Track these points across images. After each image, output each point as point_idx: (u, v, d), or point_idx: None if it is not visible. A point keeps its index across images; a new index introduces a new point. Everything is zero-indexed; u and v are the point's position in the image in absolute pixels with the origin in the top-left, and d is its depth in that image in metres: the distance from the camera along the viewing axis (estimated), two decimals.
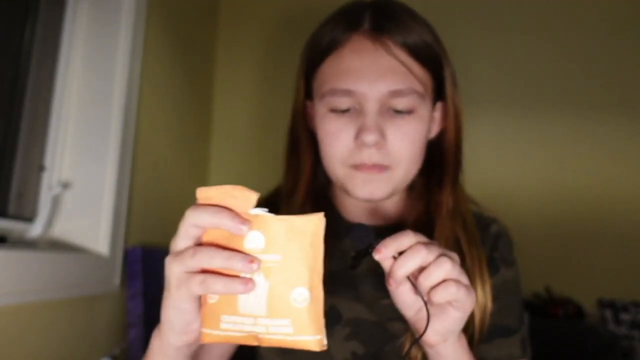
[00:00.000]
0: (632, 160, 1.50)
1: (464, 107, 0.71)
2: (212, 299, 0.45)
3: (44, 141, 1.05)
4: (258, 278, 0.43)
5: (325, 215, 0.44)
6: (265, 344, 0.44)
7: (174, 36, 1.39)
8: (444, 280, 0.48)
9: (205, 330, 0.46)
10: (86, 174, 1.05)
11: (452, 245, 0.66)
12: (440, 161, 0.71)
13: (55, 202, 1.03)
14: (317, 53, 0.68)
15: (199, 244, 0.45)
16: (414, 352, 0.62)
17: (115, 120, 1.07)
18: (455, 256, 0.51)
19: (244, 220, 0.43)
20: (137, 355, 1.07)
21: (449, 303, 0.49)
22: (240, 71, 1.74)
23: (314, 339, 0.43)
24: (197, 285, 0.43)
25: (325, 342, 0.44)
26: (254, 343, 0.45)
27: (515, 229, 0.78)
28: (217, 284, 0.42)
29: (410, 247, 0.48)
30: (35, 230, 0.98)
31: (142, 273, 1.11)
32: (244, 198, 0.44)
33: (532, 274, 1.39)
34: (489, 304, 0.65)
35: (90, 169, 1.05)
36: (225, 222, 0.43)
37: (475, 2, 1.64)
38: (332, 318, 0.67)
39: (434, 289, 0.48)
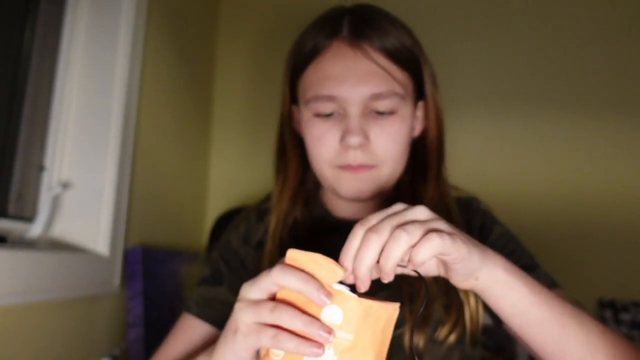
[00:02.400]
0: (632, 159, 1.50)
1: (444, 105, 0.74)
2: (276, 357, 0.45)
3: (44, 141, 1.05)
4: (328, 351, 0.43)
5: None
6: None
7: (174, 36, 1.39)
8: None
9: None
10: (86, 174, 1.06)
11: None
12: (424, 157, 0.74)
13: (55, 202, 1.03)
14: (300, 60, 0.71)
15: (273, 299, 0.46)
16: (416, 339, 0.64)
17: (115, 121, 1.07)
18: (417, 210, 0.48)
19: (328, 293, 0.43)
20: (137, 356, 1.07)
21: (443, 259, 0.48)
22: (240, 71, 1.74)
23: None
24: (268, 338, 0.44)
25: None
26: None
27: (515, 229, 0.79)
28: (291, 342, 0.43)
29: (362, 242, 0.46)
30: (35, 230, 0.98)
31: (142, 273, 1.11)
32: (331, 271, 0.45)
33: None
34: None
35: (90, 169, 1.05)
36: (311, 291, 0.43)
37: (463, 3, 1.64)
38: None
39: (415, 249, 0.45)
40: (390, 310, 0.45)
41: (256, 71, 1.73)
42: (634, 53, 1.54)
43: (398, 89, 0.67)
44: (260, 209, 0.81)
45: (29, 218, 1.01)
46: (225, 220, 1.10)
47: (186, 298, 0.78)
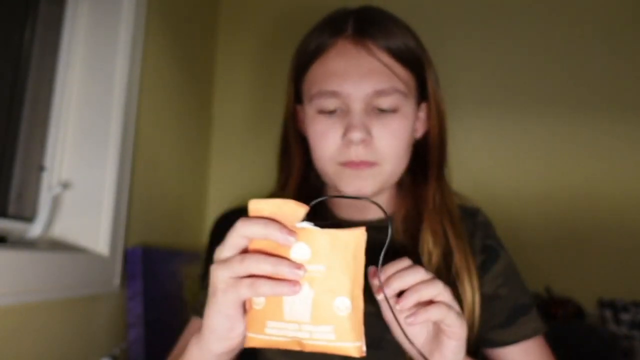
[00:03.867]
0: (633, 160, 1.50)
1: (446, 107, 0.75)
2: (257, 305, 0.47)
3: (44, 141, 1.05)
4: (303, 286, 0.45)
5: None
6: (307, 350, 0.46)
7: (174, 36, 1.39)
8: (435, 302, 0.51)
9: (250, 335, 0.48)
10: (86, 174, 1.06)
11: (440, 238, 0.70)
12: (425, 158, 0.75)
13: (55, 202, 1.03)
14: (304, 58, 0.72)
15: (245, 252, 0.47)
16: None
17: (115, 120, 1.07)
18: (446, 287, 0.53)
19: (291, 232, 0.45)
20: (137, 356, 1.07)
21: (442, 331, 0.52)
22: (241, 71, 1.74)
23: (354, 345, 0.45)
24: (245, 288, 0.45)
25: (364, 348, 0.46)
26: (297, 348, 0.47)
27: (515, 229, 0.79)
28: (266, 285, 0.44)
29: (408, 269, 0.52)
30: (35, 230, 0.98)
31: (142, 273, 1.11)
32: (292, 212, 0.46)
33: (532, 274, 1.39)
34: (477, 297, 0.68)
35: (90, 169, 1.05)
36: (274, 233, 0.45)
37: (466, 3, 1.64)
38: None
39: (427, 307, 0.50)
40: (357, 235, 0.46)
41: (256, 71, 1.73)
42: (634, 53, 1.54)
43: (401, 86, 0.67)
44: None
45: (29, 218, 1.01)
46: (225, 220, 1.10)
47: (193, 302, 0.78)
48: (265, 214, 0.47)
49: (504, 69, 1.60)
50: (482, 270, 0.72)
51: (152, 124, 1.25)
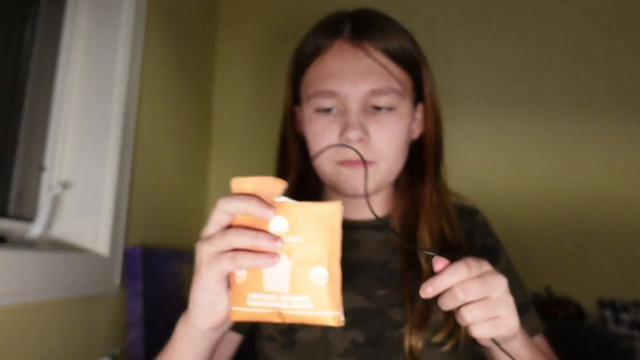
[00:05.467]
0: (632, 159, 1.50)
1: (443, 108, 0.76)
2: (239, 279, 0.49)
3: (44, 141, 1.05)
4: (282, 258, 0.47)
5: None
6: (287, 320, 0.48)
7: (174, 36, 1.39)
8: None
9: (233, 308, 0.49)
10: (86, 174, 1.05)
11: (437, 237, 0.70)
12: (422, 158, 0.76)
13: (55, 202, 1.03)
14: (302, 60, 0.73)
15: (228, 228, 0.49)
16: (415, 341, 0.65)
17: (115, 120, 1.07)
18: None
19: (268, 205, 0.47)
20: (137, 355, 1.07)
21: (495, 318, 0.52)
22: (240, 71, 1.74)
23: (331, 314, 0.46)
24: (227, 260, 0.47)
25: (342, 318, 0.47)
26: (277, 320, 0.48)
27: (515, 229, 0.79)
28: (246, 257, 0.46)
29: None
30: (35, 230, 0.98)
31: (142, 273, 1.11)
32: (271, 187, 0.48)
33: (532, 274, 1.39)
34: None
35: (90, 169, 1.05)
36: (252, 207, 0.47)
37: (463, 3, 1.64)
38: None
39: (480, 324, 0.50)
40: (332, 208, 0.47)
41: (256, 71, 1.73)
42: (634, 52, 1.54)
43: (397, 86, 0.68)
44: None
45: (29, 218, 1.01)
46: None
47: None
48: (247, 191, 0.48)
49: (502, 68, 1.60)
50: None
51: (152, 124, 1.25)
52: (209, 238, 0.48)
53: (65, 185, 1.04)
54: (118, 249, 1.07)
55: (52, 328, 0.90)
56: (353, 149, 0.61)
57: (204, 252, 0.48)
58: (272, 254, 0.46)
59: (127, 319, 1.09)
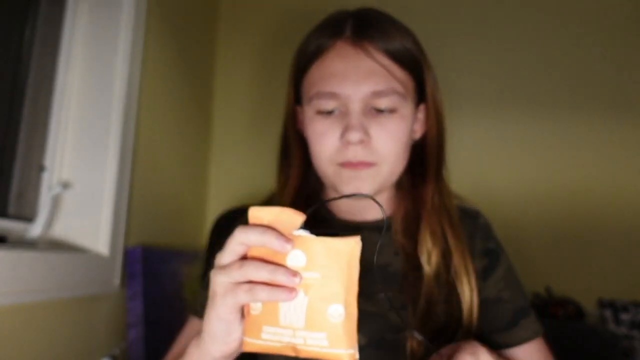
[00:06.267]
0: (633, 159, 1.50)
1: (445, 108, 0.75)
2: (255, 311, 0.49)
3: (44, 141, 1.05)
4: (299, 293, 0.46)
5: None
6: (302, 355, 0.47)
7: (174, 36, 1.39)
8: None
9: (247, 339, 0.49)
10: (86, 174, 1.06)
11: (439, 239, 0.70)
12: (424, 159, 0.75)
13: (55, 202, 1.03)
14: (304, 60, 0.72)
15: (244, 259, 0.49)
16: (414, 344, 0.65)
17: (115, 121, 1.07)
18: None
19: (287, 239, 0.47)
20: (137, 356, 1.07)
21: None
22: (240, 71, 1.74)
23: (346, 352, 0.46)
24: (243, 293, 0.46)
25: (357, 356, 0.47)
26: (291, 354, 0.48)
27: (515, 229, 0.79)
28: (263, 291, 0.46)
29: None
30: (35, 230, 0.98)
31: (142, 273, 1.11)
32: (290, 220, 0.47)
33: (532, 274, 1.39)
34: (475, 297, 0.69)
35: (90, 169, 1.05)
36: (270, 240, 0.46)
37: (464, 4, 1.64)
38: None
39: None
40: (351, 244, 0.47)
41: (256, 72, 1.73)
42: (634, 53, 1.54)
43: (399, 87, 0.68)
44: None
45: (29, 218, 1.01)
46: (225, 220, 1.10)
47: (191, 301, 0.78)
48: (264, 221, 0.48)
49: (503, 69, 1.60)
50: (485, 274, 0.72)
51: (152, 124, 1.25)
52: (224, 268, 0.48)
53: (65, 185, 1.04)
54: (118, 249, 1.07)
55: (52, 328, 0.90)
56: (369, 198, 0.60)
57: (219, 281, 0.48)
58: (290, 289, 0.46)
59: (127, 319, 1.09)
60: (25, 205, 1.02)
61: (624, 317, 1.39)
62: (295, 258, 0.47)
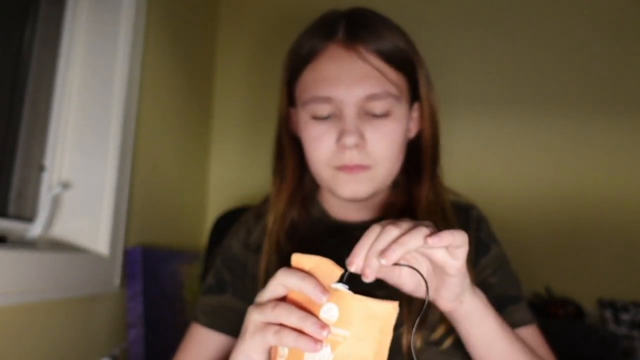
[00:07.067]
0: (633, 160, 1.50)
1: (439, 106, 0.76)
2: (281, 357, 0.48)
3: (44, 141, 1.05)
4: (325, 348, 0.45)
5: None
6: None
7: (174, 36, 1.39)
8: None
9: None
10: (86, 174, 1.06)
11: None
12: (418, 157, 0.76)
13: (55, 202, 1.03)
14: (297, 62, 0.72)
15: (281, 300, 0.49)
16: (414, 338, 0.65)
17: (115, 120, 1.07)
18: (428, 224, 0.50)
19: (324, 290, 0.46)
20: (137, 356, 1.07)
21: (441, 268, 0.51)
22: (240, 71, 1.74)
23: None
24: (271, 334, 0.47)
25: None
26: None
27: (515, 229, 0.79)
28: (290, 336, 0.45)
29: (380, 232, 0.49)
30: (35, 230, 0.98)
31: (142, 273, 1.11)
32: (329, 270, 0.47)
33: (532, 274, 1.39)
34: None
35: (90, 169, 1.05)
36: (308, 288, 0.46)
37: (461, 1, 1.64)
38: None
39: (430, 238, 0.47)
40: (389, 309, 0.45)
41: (256, 72, 1.73)
42: (634, 53, 1.54)
43: (393, 90, 0.68)
44: (258, 212, 0.82)
45: (29, 218, 1.01)
46: (225, 220, 1.10)
47: (193, 308, 0.78)
48: (305, 267, 0.48)
49: (499, 67, 1.60)
50: (472, 262, 0.72)
51: (152, 124, 1.25)
52: (259, 305, 0.49)
53: (65, 185, 1.04)
54: (118, 249, 1.07)
55: (52, 328, 0.90)
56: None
57: (252, 318, 0.49)
58: (316, 341, 0.45)
59: (127, 319, 1.09)
60: (25, 205, 1.02)
61: (624, 317, 1.39)
62: (329, 311, 0.46)
